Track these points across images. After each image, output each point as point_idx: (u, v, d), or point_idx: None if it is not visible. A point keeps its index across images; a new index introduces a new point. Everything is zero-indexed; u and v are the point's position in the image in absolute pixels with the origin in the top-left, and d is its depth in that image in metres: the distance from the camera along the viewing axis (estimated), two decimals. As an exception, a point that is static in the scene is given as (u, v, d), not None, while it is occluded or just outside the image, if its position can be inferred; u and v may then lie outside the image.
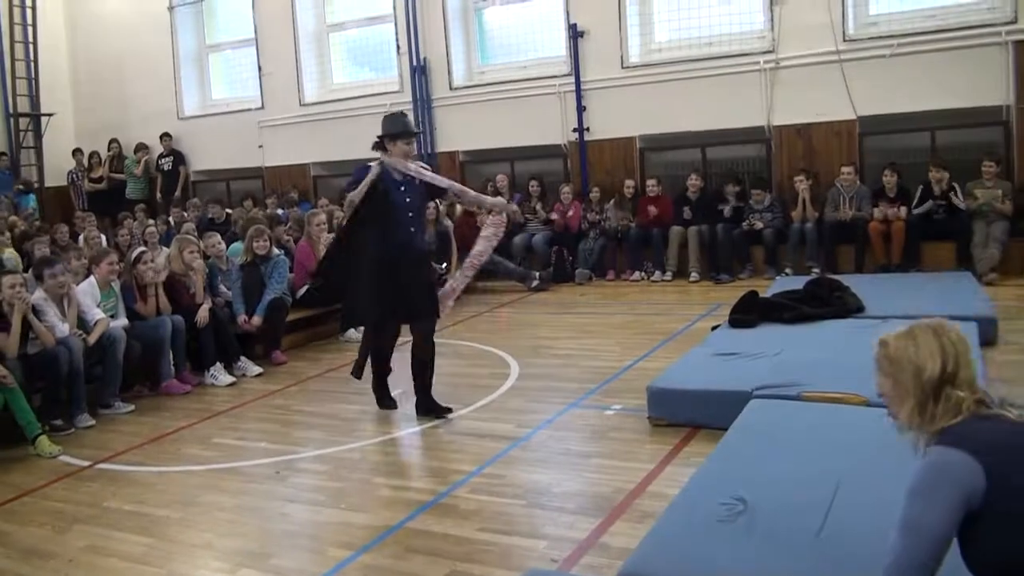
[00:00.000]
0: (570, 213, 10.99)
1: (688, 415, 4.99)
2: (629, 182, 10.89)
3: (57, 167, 14.90)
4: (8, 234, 9.63)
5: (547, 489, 4.33)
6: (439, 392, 5.82)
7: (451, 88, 12.20)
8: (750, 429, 4.20)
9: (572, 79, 11.31)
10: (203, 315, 7.05)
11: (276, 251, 8.04)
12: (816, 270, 9.13)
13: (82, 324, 6.37)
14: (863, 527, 2.99)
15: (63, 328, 6.15)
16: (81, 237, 9.76)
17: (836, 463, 3.56)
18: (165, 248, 8.46)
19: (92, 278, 6.72)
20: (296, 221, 9.65)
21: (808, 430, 4.06)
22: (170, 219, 11.67)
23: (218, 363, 7.09)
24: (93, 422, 6.14)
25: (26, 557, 4.11)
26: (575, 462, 4.71)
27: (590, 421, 5.36)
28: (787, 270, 9.57)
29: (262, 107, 13.75)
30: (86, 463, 5.38)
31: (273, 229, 8.56)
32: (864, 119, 9.94)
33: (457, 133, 12.25)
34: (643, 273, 10.49)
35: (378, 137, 5.57)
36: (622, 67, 11.09)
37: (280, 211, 10.98)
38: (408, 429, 5.50)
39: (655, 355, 6.74)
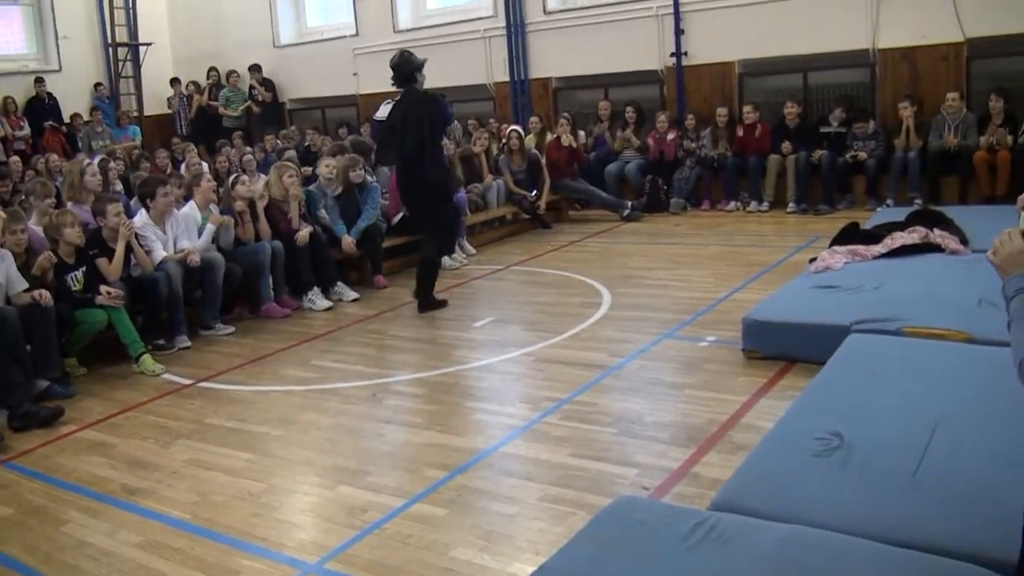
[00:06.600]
0: (670, 138, 10.69)
1: (784, 348, 4.93)
2: (722, 110, 10.55)
3: (155, 96, 15.21)
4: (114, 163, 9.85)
5: (639, 418, 4.35)
6: (529, 320, 6.12)
7: (545, 12, 11.97)
8: (849, 363, 4.13)
9: (671, 0, 10.96)
10: (303, 235, 7.17)
11: (369, 179, 8.12)
12: (918, 201, 8.82)
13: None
14: (960, 467, 2.93)
15: (161, 253, 6.36)
16: (183, 165, 9.97)
17: (936, 401, 3.49)
18: (263, 175, 8.60)
19: (192, 202, 6.91)
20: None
21: (908, 366, 3.96)
22: (266, 146, 11.86)
23: (316, 288, 7.24)
24: (190, 343, 6.35)
25: (131, 468, 4.31)
26: (668, 392, 4.71)
27: (683, 352, 5.34)
28: (888, 201, 9.26)
29: (356, 34, 13.77)
30: (188, 381, 5.60)
31: (366, 156, 8.63)
32: (973, 41, 9.42)
33: (550, 59, 12.07)
34: (739, 203, 10.30)
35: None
36: (723, -13, 10.68)
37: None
38: (501, 356, 5.57)
39: (750, 287, 6.65)
